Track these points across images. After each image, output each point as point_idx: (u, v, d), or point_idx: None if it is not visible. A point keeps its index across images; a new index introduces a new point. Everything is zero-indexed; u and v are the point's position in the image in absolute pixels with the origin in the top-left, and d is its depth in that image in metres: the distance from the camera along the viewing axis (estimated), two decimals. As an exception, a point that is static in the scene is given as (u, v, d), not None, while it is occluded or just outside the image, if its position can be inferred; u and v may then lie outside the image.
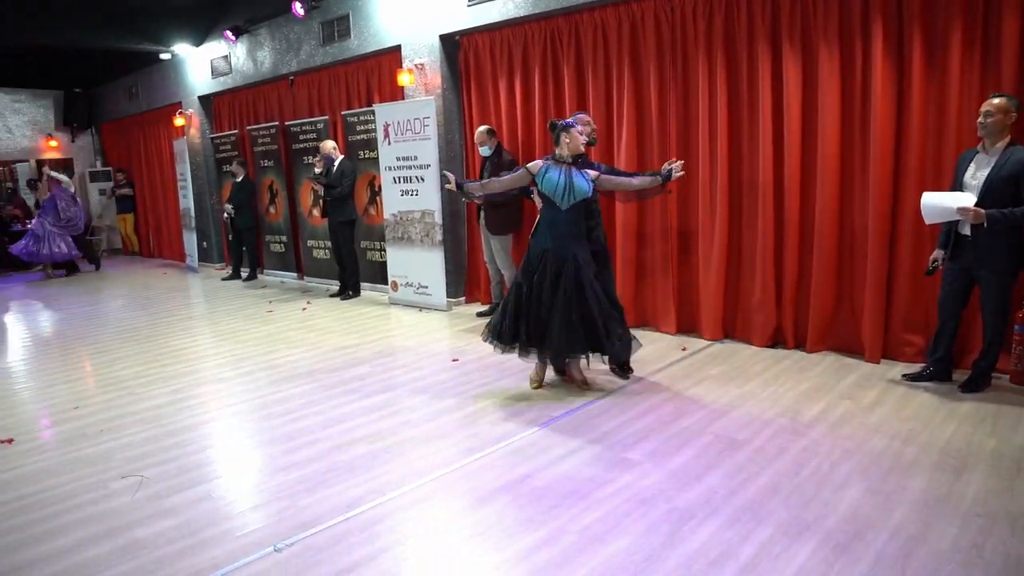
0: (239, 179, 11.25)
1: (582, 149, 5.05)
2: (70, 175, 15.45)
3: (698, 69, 6.30)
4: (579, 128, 5.10)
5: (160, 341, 7.65)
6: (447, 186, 5.38)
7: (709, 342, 6.41)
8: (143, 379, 6.26)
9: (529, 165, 5.11)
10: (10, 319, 9.66)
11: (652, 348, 6.28)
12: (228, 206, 11.25)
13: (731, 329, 6.46)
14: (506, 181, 5.21)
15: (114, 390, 6.00)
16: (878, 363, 5.62)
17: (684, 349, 6.22)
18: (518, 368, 5.84)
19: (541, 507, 3.59)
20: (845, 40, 5.57)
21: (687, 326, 6.73)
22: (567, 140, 5.00)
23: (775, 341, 6.18)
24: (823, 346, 5.97)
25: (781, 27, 5.83)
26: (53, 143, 16.24)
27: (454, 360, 6.25)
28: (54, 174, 13.22)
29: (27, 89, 15.85)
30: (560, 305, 4.92)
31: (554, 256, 5.00)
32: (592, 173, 5.03)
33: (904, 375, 5.25)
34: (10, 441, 4.94)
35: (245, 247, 11.51)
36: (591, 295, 4.94)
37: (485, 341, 5.31)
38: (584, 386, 5.33)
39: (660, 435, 4.41)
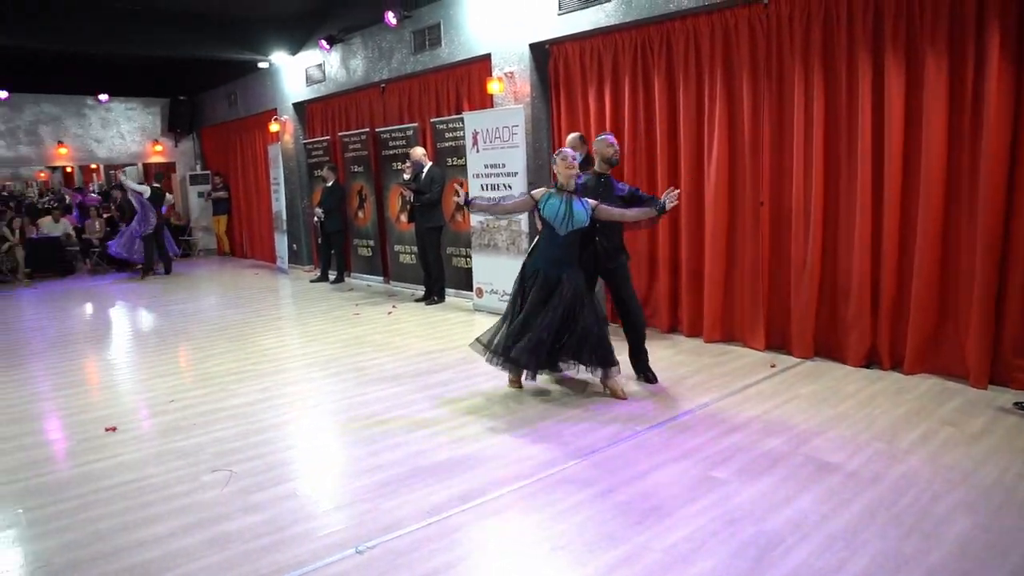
0: (329, 184, 11.52)
1: (572, 177, 5.25)
2: (154, 178, 16.29)
3: (794, 79, 6.12)
4: (570, 154, 5.30)
5: (251, 340, 7.89)
6: (455, 199, 5.48)
7: (799, 360, 6.19)
8: (234, 376, 6.46)
9: (534, 192, 5.38)
10: (114, 314, 10.14)
11: (740, 364, 6.11)
12: (318, 210, 11.55)
13: (823, 347, 6.23)
14: (511, 205, 5.45)
15: (207, 386, 6.21)
16: (985, 389, 5.31)
17: (773, 366, 6.03)
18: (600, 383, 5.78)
19: (624, 523, 3.52)
20: (955, 46, 5.29)
21: (777, 342, 6.52)
22: (558, 169, 5.29)
23: (870, 361, 5.92)
24: (922, 368, 5.68)
25: (884, 34, 5.60)
26: (158, 147, 17.04)
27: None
28: (124, 180, 13.86)
29: (139, 98, 16.75)
30: (559, 320, 5.16)
31: (544, 277, 5.25)
32: (591, 203, 5.25)
33: (1016, 403, 4.94)
34: (114, 429, 5.17)
35: (334, 250, 11.79)
36: (589, 311, 5.22)
37: (488, 361, 5.48)
38: (621, 395, 5.39)
39: (748, 454, 4.27)
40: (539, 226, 5.50)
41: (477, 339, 5.60)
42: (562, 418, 4.99)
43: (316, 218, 11.68)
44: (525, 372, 5.48)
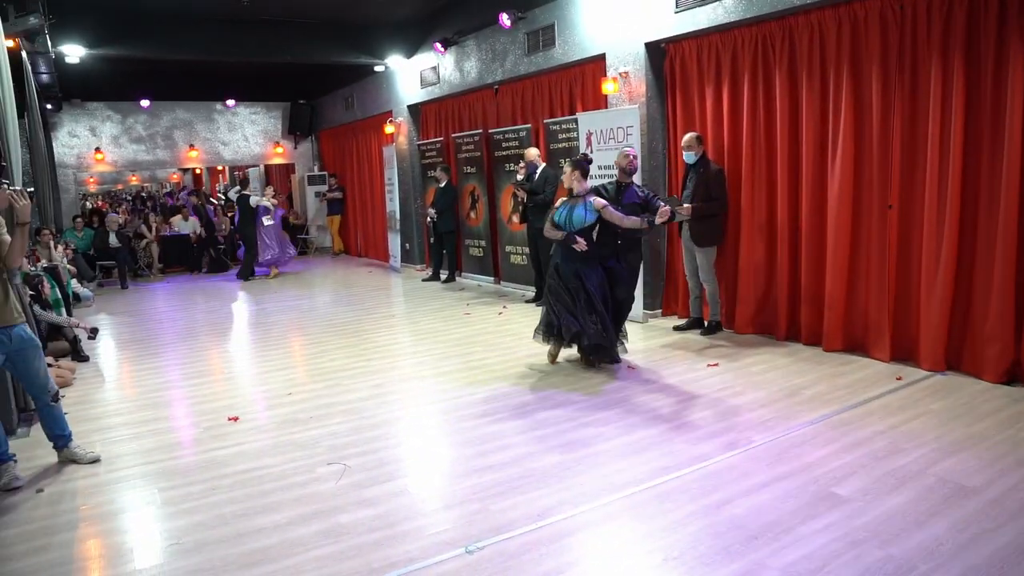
0: (442, 184, 11.70)
1: (575, 186, 6.22)
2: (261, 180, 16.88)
3: (930, 73, 5.75)
4: (565, 169, 6.31)
5: (364, 336, 8.10)
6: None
7: (928, 373, 5.82)
8: (348, 371, 6.65)
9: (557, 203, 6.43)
10: (235, 309, 10.64)
11: (862, 375, 5.82)
12: (431, 210, 11.75)
13: (956, 360, 5.85)
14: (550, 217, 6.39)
15: (323, 380, 6.41)
16: None
17: (899, 379, 5.71)
18: (719, 386, 5.66)
19: (739, 537, 3.40)
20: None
21: (903, 354, 6.17)
22: (563, 178, 6.35)
23: (1012, 377, 5.50)
24: (1073, 386, 5.25)
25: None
26: (279, 149, 17.80)
27: (633, 369, 6.12)
28: (230, 192, 14.42)
29: (262, 102, 17.56)
30: (583, 307, 6.15)
31: (561, 271, 6.26)
32: (599, 204, 6.13)
33: None
34: (236, 419, 5.41)
35: (445, 250, 11.97)
36: (598, 299, 6.14)
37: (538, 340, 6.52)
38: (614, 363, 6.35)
39: (873, 471, 4.05)
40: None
41: (536, 331, 6.54)
42: (675, 426, 4.89)
43: (429, 218, 11.89)
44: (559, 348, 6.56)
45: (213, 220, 15.99)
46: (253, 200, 13.51)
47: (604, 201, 6.18)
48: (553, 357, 6.64)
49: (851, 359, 6.29)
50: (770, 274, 7.21)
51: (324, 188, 17.39)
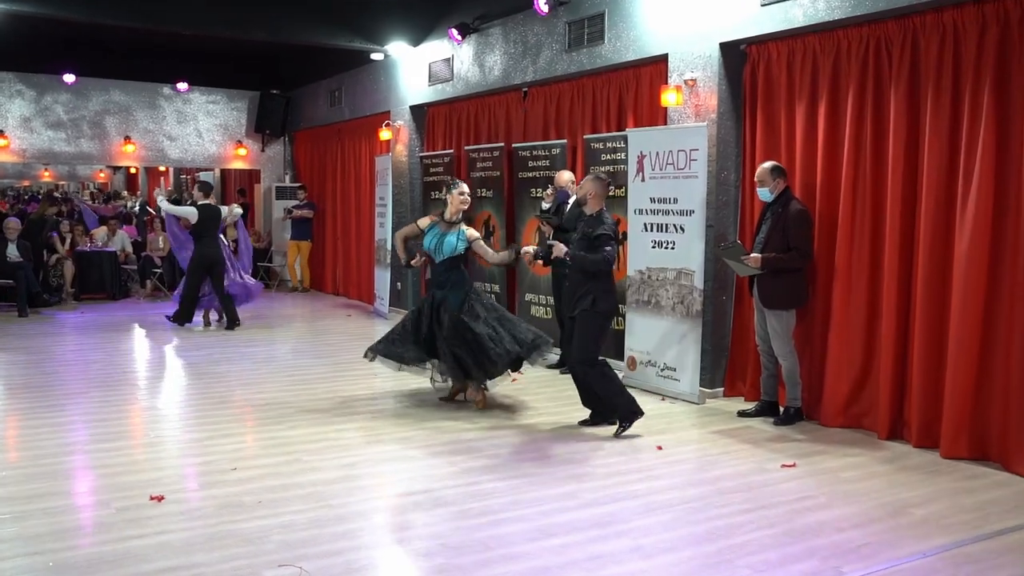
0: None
1: (457, 212, 7.73)
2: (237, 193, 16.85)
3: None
4: (466, 190, 7.80)
5: (337, 399, 8.08)
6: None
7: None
8: (313, 444, 6.60)
9: (420, 220, 8.08)
10: (170, 353, 10.62)
11: (996, 495, 5.69)
12: None
13: None
14: (405, 230, 8.38)
15: (279, 454, 6.36)
16: None
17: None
18: (796, 495, 5.59)
19: None
20: None
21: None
22: (450, 200, 7.78)
23: None
24: None
25: None
26: (241, 151, 18.00)
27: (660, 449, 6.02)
28: (161, 199, 13.29)
29: (223, 89, 17.80)
30: (447, 338, 7.53)
31: (431, 298, 7.81)
32: (472, 233, 7.75)
33: None
34: (160, 498, 5.35)
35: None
36: (464, 330, 7.48)
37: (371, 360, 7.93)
38: (482, 405, 7.78)
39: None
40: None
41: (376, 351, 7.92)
42: (733, 544, 4.79)
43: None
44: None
45: (149, 236, 16.13)
46: (227, 212, 12.79)
47: (477, 233, 7.81)
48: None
49: (980, 471, 6.18)
50: (870, 350, 7.15)
51: (294, 203, 17.22)
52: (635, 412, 6.94)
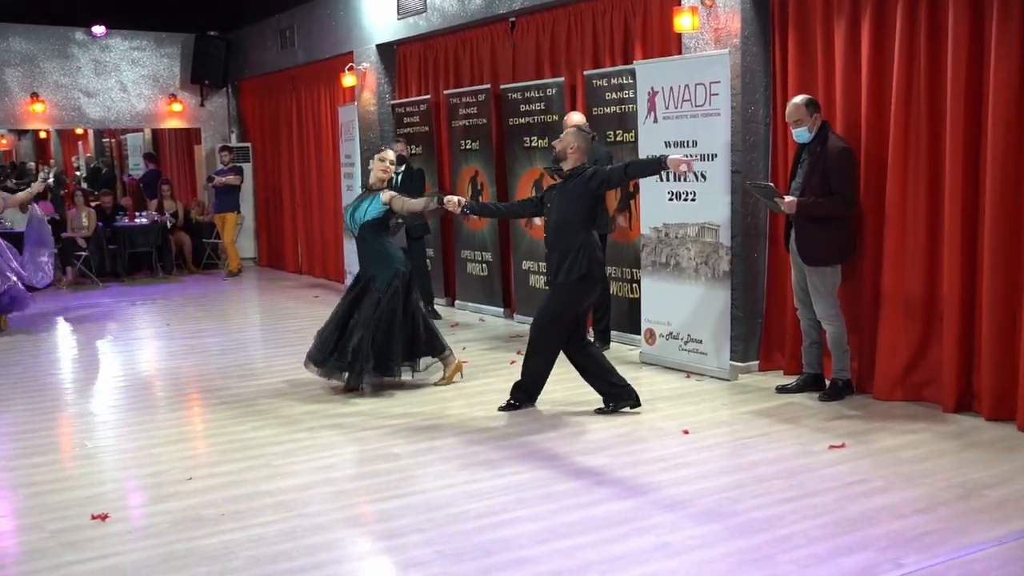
0: (401, 168, 11.58)
1: (382, 180, 8.15)
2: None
3: None
4: (389, 158, 8.26)
5: (306, 395, 8.17)
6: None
7: None
8: (283, 446, 6.71)
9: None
10: (105, 349, 10.73)
11: None
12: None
13: None
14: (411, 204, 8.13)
15: (242, 459, 6.47)
16: None
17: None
18: (847, 479, 5.71)
19: None
20: None
21: None
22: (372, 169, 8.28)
23: None
24: None
25: None
26: (176, 106, 17.97)
27: (687, 433, 6.18)
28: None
29: (150, 32, 17.67)
30: (362, 322, 7.95)
31: (355, 282, 8.33)
32: (388, 194, 8.06)
33: None
34: (104, 517, 5.45)
35: (415, 267, 11.88)
36: (384, 316, 7.94)
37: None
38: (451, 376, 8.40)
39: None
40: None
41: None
42: (778, 536, 4.92)
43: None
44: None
45: (69, 213, 16.14)
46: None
47: (392, 193, 8.10)
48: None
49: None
50: (931, 311, 7.26)
51: (219, 168, 16.92)
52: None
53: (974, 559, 4.63)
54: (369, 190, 8.22)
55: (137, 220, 16.56)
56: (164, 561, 4.84)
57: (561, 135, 7.44)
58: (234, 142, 18.18)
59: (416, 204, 8.04)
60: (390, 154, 8.27)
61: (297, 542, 5.01)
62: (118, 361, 10.13)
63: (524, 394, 7.47)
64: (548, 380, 7.43)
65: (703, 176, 8.17)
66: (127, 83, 17.64)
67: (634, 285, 9.46)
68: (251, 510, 5.49)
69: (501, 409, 7.41)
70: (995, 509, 5.25)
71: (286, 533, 5.13)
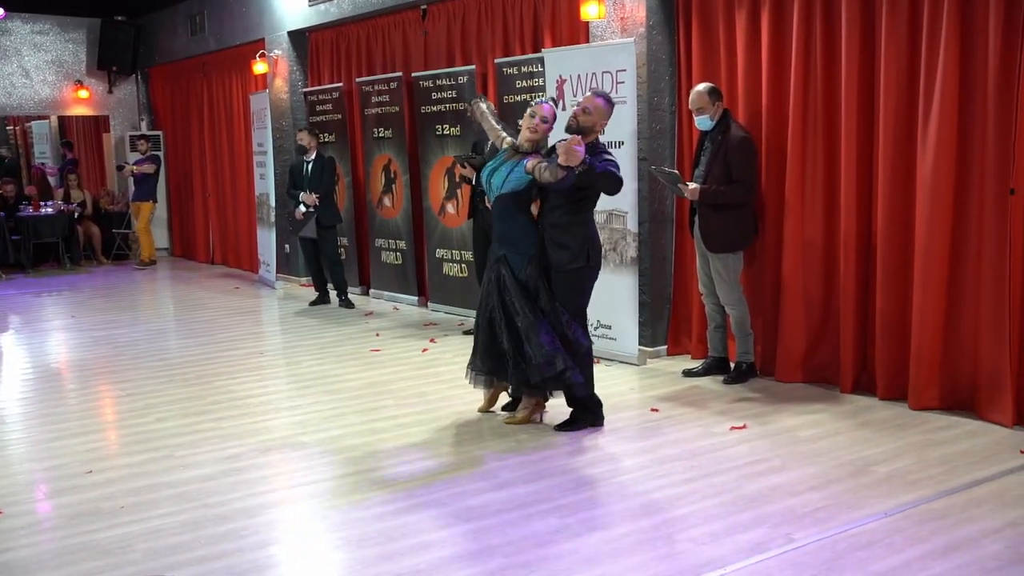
0: (311, 157, 11.64)
1: (532, 139, 6.49)
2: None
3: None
4: (539, 112, 6.45)
5: (214, 385, 8.16)
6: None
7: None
8: (186, 437, 6.68)
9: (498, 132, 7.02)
10: (4, 341, 10.57)
11: (968, 446, 6.05)
12: (312, 195, 11.50)
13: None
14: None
15: (144, 451, 6.41)
16: None
17: (1024, 452, 5.96)
18: (746, 459, 5.85)
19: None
20: None
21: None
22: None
23: None
24: None
25: None
26: (83, 93, 17.68)
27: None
28: None
29: (53, 16, 17.30)
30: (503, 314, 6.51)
31: (492, 263, 6.67)
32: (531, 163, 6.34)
33: None
34: (-1, 512, 5.42)
35: (327, 255, 11.88)
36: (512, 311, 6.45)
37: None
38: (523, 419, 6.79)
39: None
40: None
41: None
42: (675, 516, 5.03)
43: (302, 206, 11.60)
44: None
45: None
46: None
47: (538, 159, 6.35)
48: (486, 404, 7.08)
49: (951, 421, 6.52)
50: (828, 295, 7.43)
51: (135, 157, 16.68)
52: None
53: (861, 531, 4.78)
54: (515, 151, 6.62)
55: (43, 210, 16.19)
56: (57, 556, 4.80)
57: (584, 106, 6.50)
58: (144, 130, 17.97)
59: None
60: (544, 109, 6.50)
61: (199, 532, 5.00)
62: (21, 353, 9.97)
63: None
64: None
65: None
66: (29, 68, 17.29)
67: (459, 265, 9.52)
68: (151, 502, 5.45)
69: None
70: (883, 484, 5.42)
71: (187, 524, 5.11)
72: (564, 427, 6.59)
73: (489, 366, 6.60)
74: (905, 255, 6.89)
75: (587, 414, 6.65)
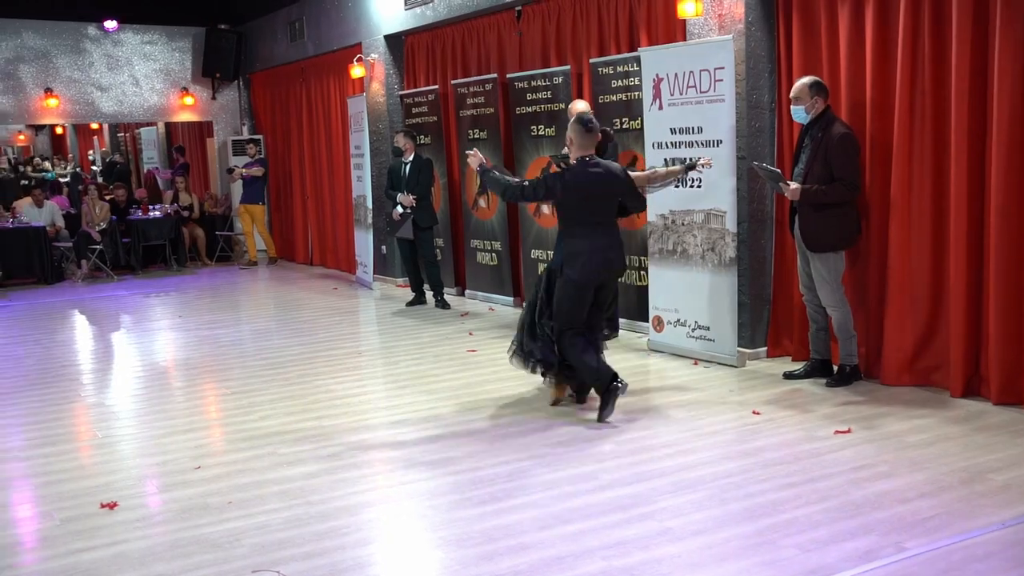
0: (409, 159, 11.66)
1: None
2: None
3: None
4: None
5: (315, 384, 8.23)
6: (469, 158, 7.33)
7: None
8: (289, 435, 6.74)
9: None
10: (118, 341, 10.80)
11: None
12: (403, 196, 11.54)
13: None
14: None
15: (250, 448, 6.52)
16: None
17: None
18: (852, 464, 5.73)
19: None
20: None
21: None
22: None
23: None
24: None
25: None
26: (188, 100, 18.04)
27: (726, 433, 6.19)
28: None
29: (161, 26, 17.74)
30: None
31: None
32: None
33: None
34: (113, 505, 5.51)
35: (423, 256, 11.89)
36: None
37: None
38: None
39: None
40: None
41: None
42: (780, 521, 4.93)
43: (401, 207, 11.64)
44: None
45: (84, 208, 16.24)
46: None
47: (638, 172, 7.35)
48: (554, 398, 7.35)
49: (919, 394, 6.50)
50: (938, 295, 7.25)
51: (244, 160, 17.12)
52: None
53: (977, 543, 4.63)
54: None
55: (151, 213, 16.56)
56: (169, 548, 4.90)
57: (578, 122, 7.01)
58: (246, 134, 18.25)
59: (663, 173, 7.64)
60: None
61: (301, 529, 5.05)
62: (131, 352, 10.19)
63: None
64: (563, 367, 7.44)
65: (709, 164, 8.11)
66: (139, 77, 17.72)
67: (642, 273, 9.46)
68: (256, 498, 5.54)
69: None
70: (1000, 493, 5.25)
71: (292, 521, 5.18)
72: (600, 417, 6.80)
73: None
74: (1021, 254, 6.68)
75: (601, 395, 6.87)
